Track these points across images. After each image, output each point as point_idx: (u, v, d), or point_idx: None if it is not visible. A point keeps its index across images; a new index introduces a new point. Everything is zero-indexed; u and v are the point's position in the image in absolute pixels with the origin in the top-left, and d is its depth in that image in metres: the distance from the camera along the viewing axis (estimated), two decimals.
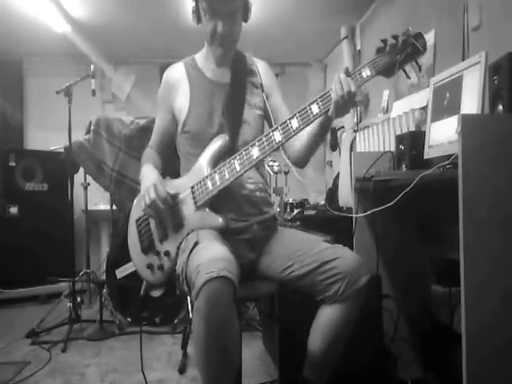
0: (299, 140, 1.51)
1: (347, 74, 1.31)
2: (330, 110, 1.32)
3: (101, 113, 4.45)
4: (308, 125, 1.33)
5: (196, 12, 1.49)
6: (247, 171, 1.38)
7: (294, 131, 1.32)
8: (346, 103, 1.30)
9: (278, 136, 1.33)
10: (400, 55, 1.30)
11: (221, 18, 1.44)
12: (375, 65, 1.31)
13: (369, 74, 1.31)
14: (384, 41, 1.33)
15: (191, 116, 1.52)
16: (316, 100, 1.33)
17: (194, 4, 1.49)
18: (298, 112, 1.32)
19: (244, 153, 1.37)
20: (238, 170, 1.36)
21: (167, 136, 1.62)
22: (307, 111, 1.32)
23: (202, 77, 1.57)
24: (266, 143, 1.34)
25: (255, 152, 1.35)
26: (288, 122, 1.33)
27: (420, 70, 1.45)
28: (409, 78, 1.38)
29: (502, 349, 1.25)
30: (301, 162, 1.59)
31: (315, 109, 1.32)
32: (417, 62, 1.36)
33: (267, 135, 1.35)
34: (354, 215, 2.03)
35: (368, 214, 1.84)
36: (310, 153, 1.54)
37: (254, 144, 1.36)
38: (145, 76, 4.68)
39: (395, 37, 1.32)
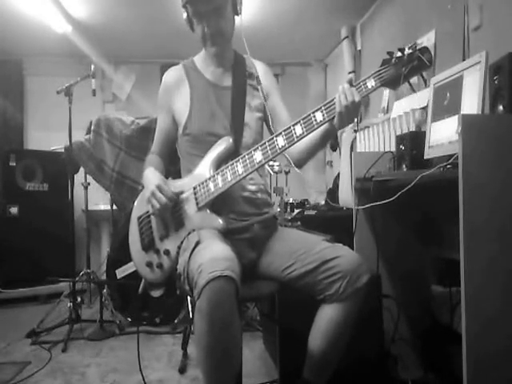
0: (301, 143, 1.50)
1: (351, 84, 1.30)
2: (335, 121, 1.32)
3: (101, 113, 4.45)
4: (312, 132, 1.33)
5: (188, 20, 1.53)
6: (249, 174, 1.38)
7: (297, 137, 1.32)
8: (350, 113, 1.29)
9: (281, 141, 1.33)
10: (405, 68, 1.29)
11: (206, 18, 1.47)
12: (380, 76, 1.31)
13: (373, 84, 1.31)
14: (390, 53, 1.32)
15: (192, 118, 1.52)
16: (320, 108, 1.32)
17: (185, 14, 1.52)
18: (302, 119, 1.32)
19: (247, 156, 1.37)
20: (240, 172, 1.37)
21: (170, 139, 1.62)
22: (311, 118, 1.31)
23: (201, 79, 1.57)
24: (268, 148, 1.35)
25: (258, 156, 1.35)
26: (292, 127, 1.33)
27: (425, 85, 1.44)
28: (414, 91, 1.37)
29: (502, 349, 1.25)
30: (300, 163, 1.59)
31: (319, 116, 1.32)
32: (422, 76, 1.35)
33: (270, 140, 1.35)
34: (354, 207, 2.03)
35: (368, 206, 1.87)
36: (309, 156, 1.55)
37: (257, 148, 1.36)
38: (145, 76, 4.68)
39: (401, 49, 1.31)
